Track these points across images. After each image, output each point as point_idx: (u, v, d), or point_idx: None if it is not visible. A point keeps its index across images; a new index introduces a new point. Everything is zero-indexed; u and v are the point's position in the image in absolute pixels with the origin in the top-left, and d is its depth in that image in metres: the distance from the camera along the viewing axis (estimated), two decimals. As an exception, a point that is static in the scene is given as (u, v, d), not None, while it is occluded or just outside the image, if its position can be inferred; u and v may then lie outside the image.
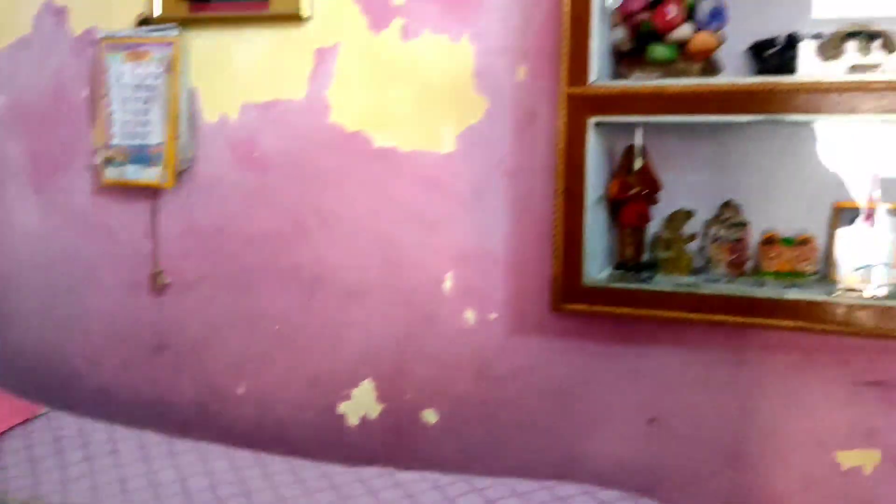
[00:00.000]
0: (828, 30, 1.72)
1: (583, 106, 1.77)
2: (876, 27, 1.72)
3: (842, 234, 1.79)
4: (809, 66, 1.74)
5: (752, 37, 1.83)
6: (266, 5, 2.15)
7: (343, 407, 2.26)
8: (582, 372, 2.03)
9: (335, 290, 2.24)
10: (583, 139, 1.79)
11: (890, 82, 1.55)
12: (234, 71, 2.26)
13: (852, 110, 1.59)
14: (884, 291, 1.68)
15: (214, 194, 2.32)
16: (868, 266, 1.74)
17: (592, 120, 1.77)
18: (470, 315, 2.12)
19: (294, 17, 2.13)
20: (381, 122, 2.14)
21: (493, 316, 2.10)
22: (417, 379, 2.19)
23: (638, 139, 1.89)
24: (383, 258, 2.19)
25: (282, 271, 2.29)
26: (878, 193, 1.75)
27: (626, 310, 1.82)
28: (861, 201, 1.80)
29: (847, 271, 1.75)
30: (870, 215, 1.76)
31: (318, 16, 2.15)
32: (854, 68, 1.61)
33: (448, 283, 2.13)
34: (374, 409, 2.23)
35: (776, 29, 1.81)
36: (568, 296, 1.86)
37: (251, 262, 2.31)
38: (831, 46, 1.71)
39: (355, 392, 2.25)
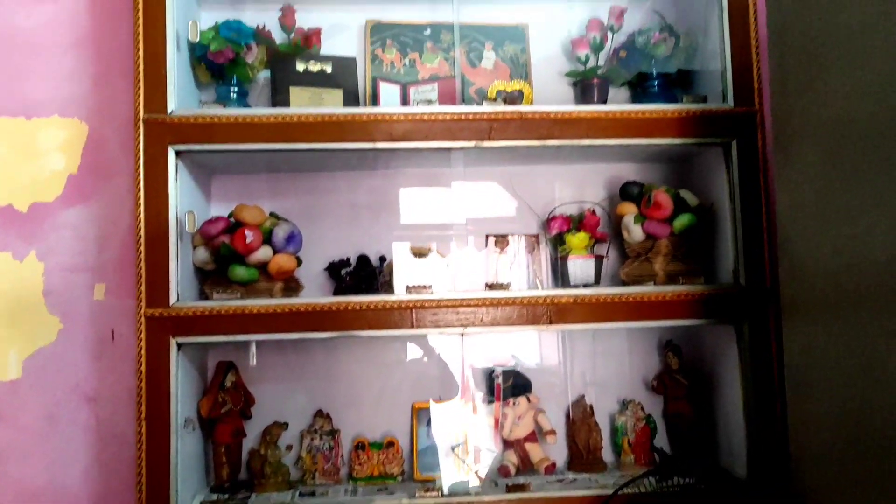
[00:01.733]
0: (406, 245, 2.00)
1: (164, 327, 1.71)
2: (426, 247, 2.00)
3: (432, 429, 1.96)
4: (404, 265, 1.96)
5: (333, 256, 2.00)
6: None
7: None
8: None
9: None
10: (167, 361, 1.71)
11: (440, 301, 1.77)
12: None
13: (413, 325, 1.78)
14: (482, 473, 1.86)
15: None
16: (459, 446, 1.92)
17: (176, 340, 1.72)
18: (40, 569, 1.81)
19: None
20: (-77, 349, 1.83)
21: (70, 566, 1.82)
22: None
23: (235, 356, 1.89)
24: (-77, 513, 1.79)
25: None
26: (472, 386, 1.98)
27: (219, 539, 1.72)
28: (441, 399, 2.00)
29: (439, 465, 1.92)
30: (467, 403, 1.97)
31: None
32: (410, 289, 1.82)
33: (12, 534, 1.81)
34: None
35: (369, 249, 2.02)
36: (155, 532, 1.70)
37: None
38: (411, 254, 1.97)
39: None
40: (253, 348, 1.98)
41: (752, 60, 1.85)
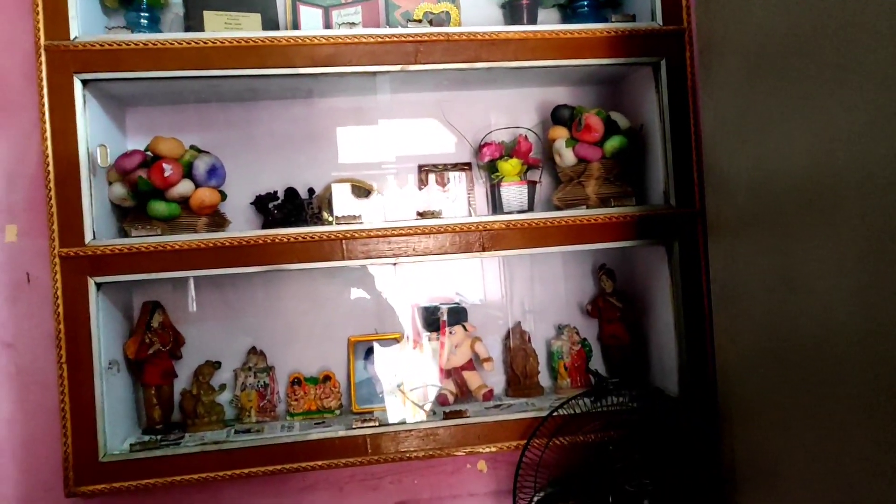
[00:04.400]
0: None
1: (81, 267, 1.64)
2: (362, 182, 1.96)
3: (368, 362, 1.96)
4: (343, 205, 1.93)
5: (260, 190, 1.93)
6: None
7: None
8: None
9: None
10: (85, 301, 1.64)
11: (370, 231, 1.73)
12: None
13: (344, 256, 1.73)
14: (423, 411, 1.85)
15: None
16: (401, 382, 1.92)
17: (94, 280, 1.65)
18: (-35, 520, 1.76)
19: None
20: None
21: (-2, 515, 1.77)
22: None
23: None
24: None
25: None
26: (416, 320, 1.98)
27: (152, 480, 1.68)
28: (377, 332, 1.99)
29: (376, 397, 1.93)
30: (416, 341, 1.96)
31: None
32: (339, 219, 1.77)
33: (-67, 486, 1.75)
34: None
35: (297, 181, 1.96)
36: (84, 477, 1.65)
37: None
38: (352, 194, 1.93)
39: None
40: (191, 286, 1.93)
41: (680, -23, 1.82)
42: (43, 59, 1.62)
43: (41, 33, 1.62)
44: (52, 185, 1.62)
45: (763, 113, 1.35)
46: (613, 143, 1.87)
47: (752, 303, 1.43)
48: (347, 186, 1.97)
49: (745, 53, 1.40)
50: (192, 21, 1.79)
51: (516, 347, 2.01)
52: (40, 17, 1.63)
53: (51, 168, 1.62)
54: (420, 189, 2.00)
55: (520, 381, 1.99)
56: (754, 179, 1.39)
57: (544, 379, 2.05)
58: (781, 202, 1.31)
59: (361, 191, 1.97)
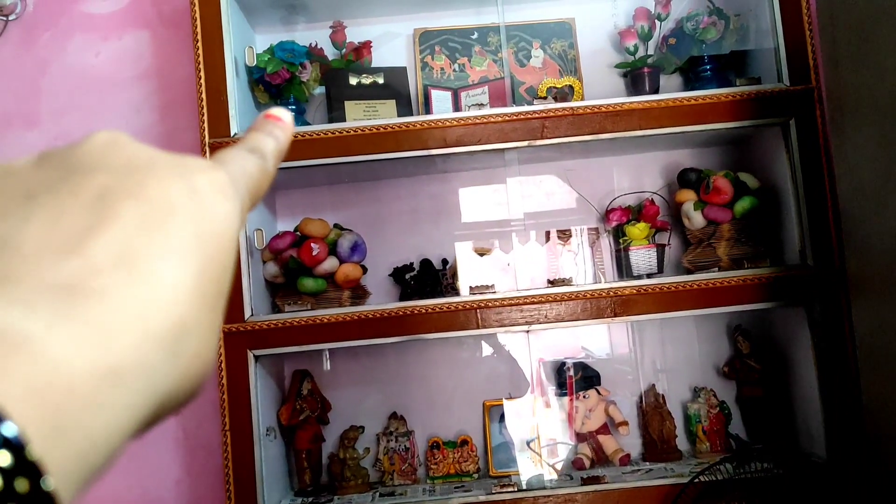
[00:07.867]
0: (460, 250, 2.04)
1: (242, 341, 1.79)
2: (488, 246, 2.04)
3: (504, 425, 2.00)
4: (467, 266, 2.00)
5: (396, 262, 2.05)
6: None
7: None
8: None
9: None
10: (245, 373, 1.80)
11: (503, 299, 1.80)
12: None
13: (479, 325, 1.81)
14: (557, 467, 1.88)
15: None
16: (533, 441, 1.95)
17: (253, 353, 1.80)
18: (142, 575, 1.92)
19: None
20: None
21: (169, 571, 1.93)
22: None
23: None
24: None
25: None
26: (543, 380, 2.02)
27: (306, 541, 1.79)
28: (511, 395, 2.04)
29: (513, 461, 1.97)
30: (539, 398, 2.00)
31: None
32: (473, 289, 1.86)
33: (114, 544, 1.93)
34: None
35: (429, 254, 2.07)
36: (245, 537, 1.78)
37: None
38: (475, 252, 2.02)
39: None
40: (326, 355, 2.05)
41: (806, 36, 1.81)
42: (207, 154, 1.81)
43: (206, 133, 1.82)
44: (216, 267, 1.80)
45: (905, 175, 1.33)
46: (743, 203, 1.86)
47: (906, 370, 1.38)
48: (469, 246, 2.05)
49: (880, 115, 1.39)
50: (335, 111, 1.95)
51: (651, 410, 2.01)
52: (205, 117, 1.83)
53: (215, 252, 1.80)
54: (549, 255, 2.06)
55: (657, 445, 1.98)
56: (899, 243, 1.36)
57: (682, 443, 2.02)
58: (931, 266, 1.28)
59: (484, 253, 2.05)
